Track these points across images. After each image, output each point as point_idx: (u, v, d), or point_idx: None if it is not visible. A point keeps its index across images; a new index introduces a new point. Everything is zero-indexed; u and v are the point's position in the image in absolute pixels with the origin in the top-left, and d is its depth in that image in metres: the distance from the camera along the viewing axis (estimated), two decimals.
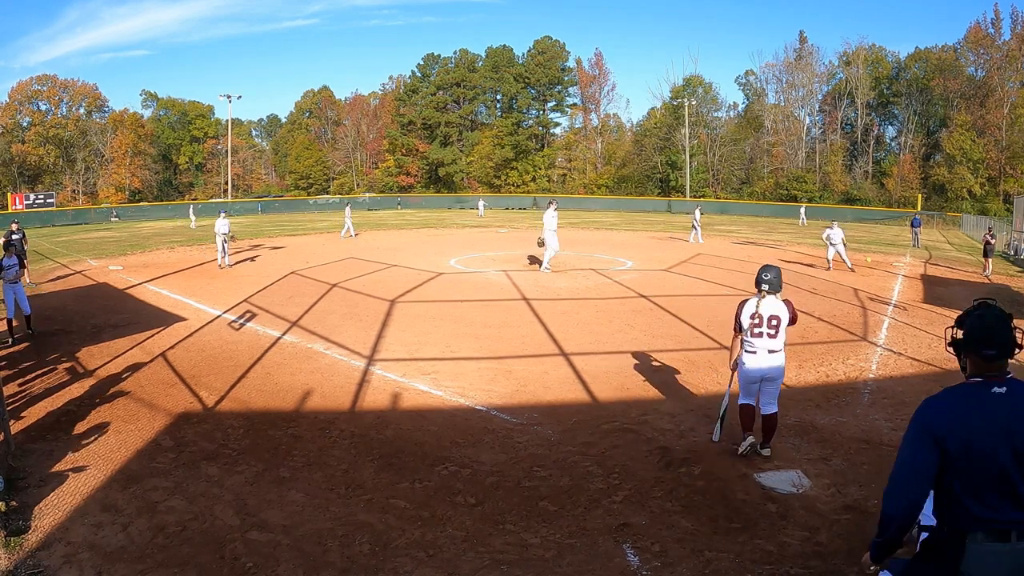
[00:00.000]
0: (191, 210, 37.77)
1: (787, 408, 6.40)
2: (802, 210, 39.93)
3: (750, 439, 5.20)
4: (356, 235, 25.88)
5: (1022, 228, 22.59)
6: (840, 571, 3.69)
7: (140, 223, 38.98)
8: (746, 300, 5.21)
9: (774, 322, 5.10)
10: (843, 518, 4.27)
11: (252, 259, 18.51)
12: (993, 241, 17.51)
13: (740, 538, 4.05)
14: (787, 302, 5.20)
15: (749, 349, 5.17)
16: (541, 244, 15.86)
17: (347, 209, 27.59)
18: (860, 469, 5.00)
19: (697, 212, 25.03)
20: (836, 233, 16.50)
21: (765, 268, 5.27)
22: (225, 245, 16.67)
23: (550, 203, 16.34)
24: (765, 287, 5.13)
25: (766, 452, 5.23)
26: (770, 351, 5.12)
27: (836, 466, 5.07)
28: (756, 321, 5.11)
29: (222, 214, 17.34)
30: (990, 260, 17.30)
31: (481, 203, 45.59)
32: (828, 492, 4.64)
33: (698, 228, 24.34)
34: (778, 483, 4.78)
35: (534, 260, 17.07)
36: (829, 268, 16.57)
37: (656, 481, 4.84)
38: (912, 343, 9.07)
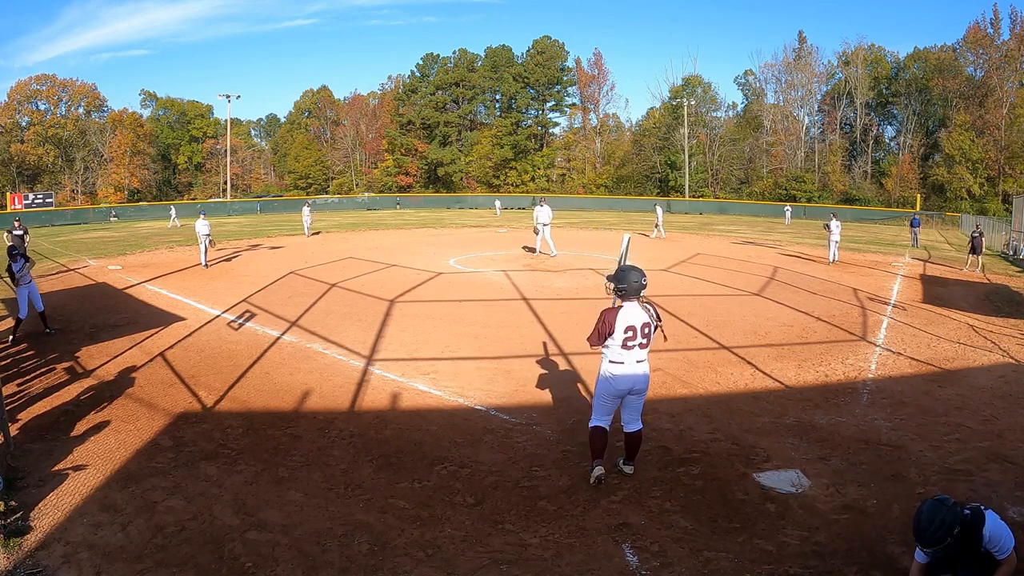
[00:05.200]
0: (173, 211, 36.17)
1: (786, 408, 6.42)
2: (787, 210, 41.15)
3: (599, 470, 4.70)
4: (316, 234, 26.16)
5: (1021, 228, 22.58)
6: (839, 571, 3.69)
7: (139, 223, 38.87)
8: (620, 308, 4.59)
9: (646, 330, 4.58)
10: (842, 518, 4.28)
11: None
12: (981, 239, 18.15)
13: (739, 538, 4.06)
14: (649, 302, 4.67)
15: (615, 359, 4.60)
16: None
17: (304, 209, 27.37)
18: (859, 469, 5.00)
19: (659, 209, 27.12)
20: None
21: (634, 269, 4.62)
22: (205, 246, 16.72)
23: (542, 201, 19.06)
24: (632, 291, 4.55)
25: (629, 469, 4.92)
26: (639, 361, 4.63)
27: (835, 466, 5.07)
28: (630, 334, 4.54)
29: (202, 215, 17.72)
30: (973, 257, 18.01)
31: (498, 203, 47.31)
32: (827, 492, 4.65)
33: (660, 226, 26.20)
34: (777, 483, 4.78)
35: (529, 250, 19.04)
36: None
37: (655, 481, 4.84)
38: (911, 343, 9.07)
